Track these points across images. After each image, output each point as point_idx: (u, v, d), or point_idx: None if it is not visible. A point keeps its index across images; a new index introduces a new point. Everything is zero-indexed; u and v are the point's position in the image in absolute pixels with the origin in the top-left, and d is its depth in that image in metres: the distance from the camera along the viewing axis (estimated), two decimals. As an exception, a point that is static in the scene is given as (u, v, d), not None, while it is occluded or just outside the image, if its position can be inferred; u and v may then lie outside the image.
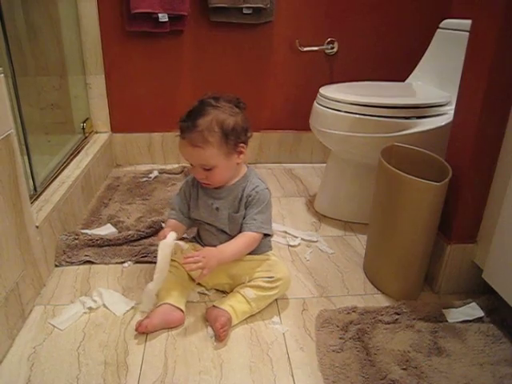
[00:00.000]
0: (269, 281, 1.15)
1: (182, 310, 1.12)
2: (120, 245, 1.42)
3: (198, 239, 1.28)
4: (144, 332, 1.08)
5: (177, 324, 1.11)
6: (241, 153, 1.14)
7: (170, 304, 1.11)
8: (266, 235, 1.22)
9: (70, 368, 0.98)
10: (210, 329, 1.10)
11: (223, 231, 1.19)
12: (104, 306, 1.18)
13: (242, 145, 1.13)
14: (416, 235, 1.18)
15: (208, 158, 1.10)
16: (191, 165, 1.15)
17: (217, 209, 1.17)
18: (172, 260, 1.17)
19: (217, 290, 1.25)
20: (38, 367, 0.98)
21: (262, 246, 1.22)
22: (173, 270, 1.18)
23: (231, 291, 1.18)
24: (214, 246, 1.18)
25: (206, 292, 1.24)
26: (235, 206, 1.17)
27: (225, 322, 1.06)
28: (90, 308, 1.16)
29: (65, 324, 1.11)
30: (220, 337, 1.06)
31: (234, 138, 1.10)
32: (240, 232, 1.17)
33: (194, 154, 1.10)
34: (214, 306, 1.13)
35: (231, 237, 1.17)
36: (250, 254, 1.20)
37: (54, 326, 1.10)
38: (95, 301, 1.19)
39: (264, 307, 1.17)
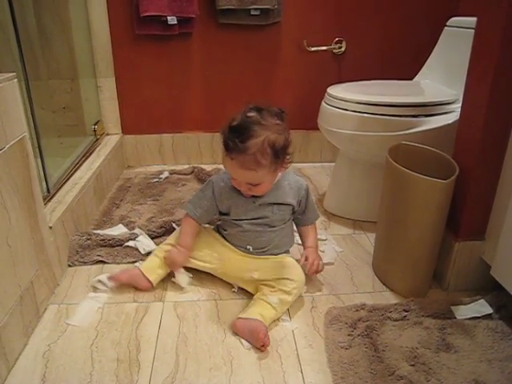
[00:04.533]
0: (286, 283, 1.16)
1: (150, 281, 1.23)
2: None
3: (222, 233, 1.29)
4: (112, 280, 1.24)
5: (141, 289, 1.25)
6: (286, 163, 1.16)
7: (141, 271, 1.24)
8: None
9: (83, 365, 1.00)
10: (244, 341, 1.08)
11: (258, 225, 1.21)
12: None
13: (288, 157, 1.16)
14: (424, 233, 1.18)
15: (259, 178, 1.11)
16: (233, 178, 1.15)
17: (260, 205, 1.19)
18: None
19: (226, 287, 1.27)
20: (53, 364, 1.01)
21: (285, 246, 1.28)
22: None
23: (253, 289, 1.21)
24: (244, 246, 1.24)
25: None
26: (280, 199, 1.20)
27: (265, 330, 1.05)
28: (96, 289, 1.26)
29: (84, 321, 1.14)
30: (265, 345, 1.04)
31: (283, 155, 1.12)
32: (289, 223, 1.27)
33: (243, 175, 1.11)
34: (240, 318, 1.11)
35: (262, 230, 1.21)
36: (270, 254, 1.23)
37: (74, 325, 1.12)
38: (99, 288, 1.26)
39: (285, 311, 1.18)
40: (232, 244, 1.26)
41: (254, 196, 1.19)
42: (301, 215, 1.29)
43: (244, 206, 1.20)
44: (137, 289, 1.25)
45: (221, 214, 1.26)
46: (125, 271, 1.27)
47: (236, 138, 1.06)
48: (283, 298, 1.14)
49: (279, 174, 1.20)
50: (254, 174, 1.09)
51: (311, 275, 1.26)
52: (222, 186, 1.22)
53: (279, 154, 1.10)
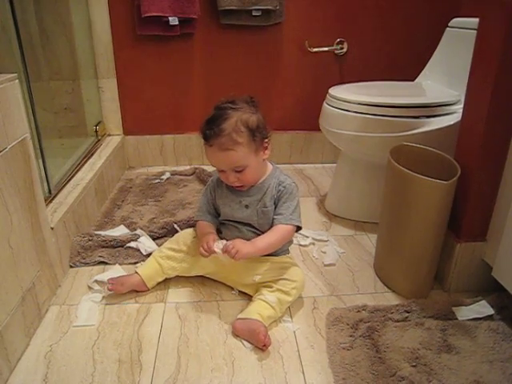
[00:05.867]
0: (285, 284, 1.16)
1: (147, 286, 1.25)
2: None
3: (220, 236, 1.28)
4: (112, 289, 1.23)
5: (140, 291, 1.26)
6: (266, 148, 1.17)
7: (141, 278, 1.24)
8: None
9: (85, 366, 1.01)
10: (245, 342, 1.08)
11: (251, 226, 1.20)
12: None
13: (266, 140, 1.16)
14: (425, 234, 1.18)
15: (240, 159, 1.11)
16: (220, 171, 1.16)
17: (246, 206, 1.19)
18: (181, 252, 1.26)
19: (227, 288, 1.27)
20: (55, 365, 1.01)
21: (284, 245, 1.25)
22: (171, 263, 1.26)
23: (253, 291, 1.21)
24: None
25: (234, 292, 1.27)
26: (264, 202, 1.18)
27: (265, 330, 1.06)
28: (92, 289, 1.27)
29: (90, 320, 1.14)
30: (266, 345, 1.05)
31: (259, 135, 1.13)
32: (271, 226, 1.19)
33: (225, 158, 1.11)
34: (240, 318, 1.12)
35: (257, 234, 1.19)
36: (266, 255, 1.21)
37: (81, 326, 1.13)
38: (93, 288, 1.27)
39: (284, 311, 1.17)
40: None
41: (241, 196, 1.19)
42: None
43: (231, 206, 1.21)
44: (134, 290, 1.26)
45: (218, 215, 1.27)
46: (126, 280, 1.25)
47: (212, 126, 1.10)
48: (282, 298, 1.14)
49: (270, 167, 1.22)
50: (234, 155, 1.10)
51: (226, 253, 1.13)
52: (215, 184, 1.25)
53: (255, 133, 1.11)
